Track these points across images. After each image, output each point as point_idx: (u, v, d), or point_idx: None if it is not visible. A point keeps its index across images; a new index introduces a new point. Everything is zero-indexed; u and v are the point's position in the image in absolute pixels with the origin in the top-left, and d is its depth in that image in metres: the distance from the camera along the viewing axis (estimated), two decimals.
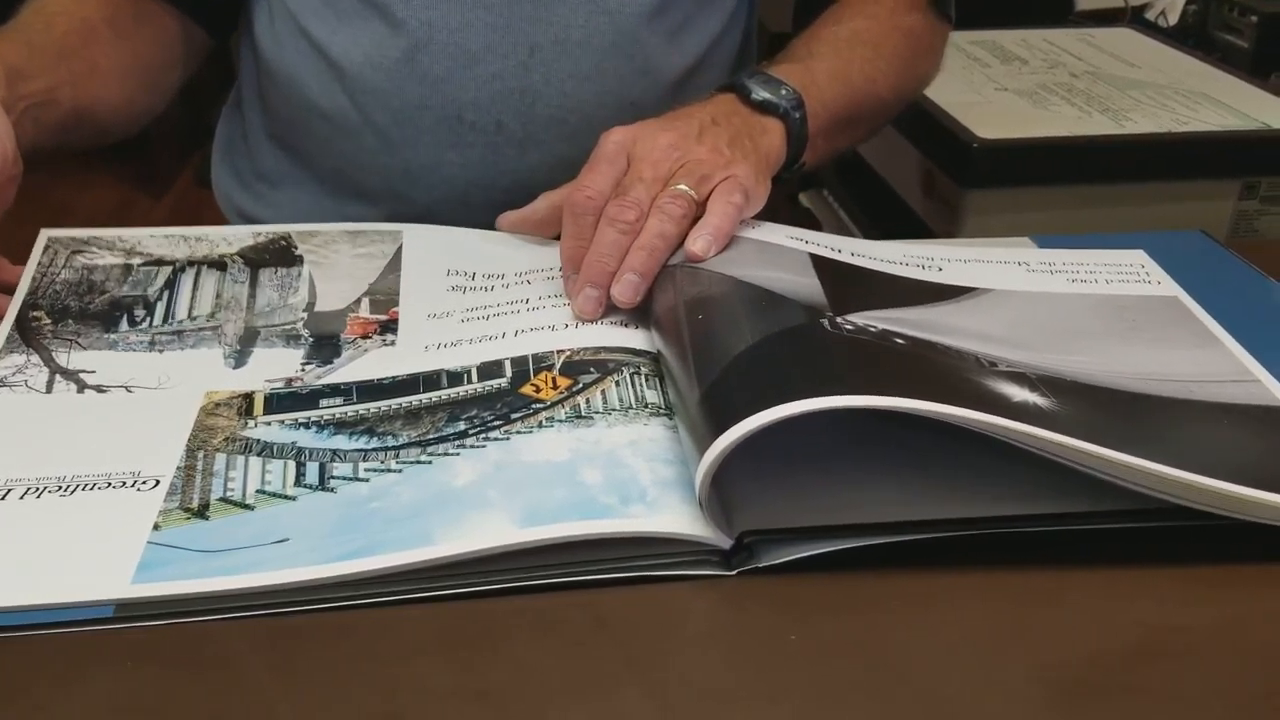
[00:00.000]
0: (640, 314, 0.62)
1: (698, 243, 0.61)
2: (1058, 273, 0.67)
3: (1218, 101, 1.04)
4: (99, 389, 0.58)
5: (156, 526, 0.48)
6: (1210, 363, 0.58)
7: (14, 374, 0.58)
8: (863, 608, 0.47)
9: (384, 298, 0.66)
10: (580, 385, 0.56)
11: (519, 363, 0.58)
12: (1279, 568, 0.49)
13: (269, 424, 0.55)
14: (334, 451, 0.53)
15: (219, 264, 0.68)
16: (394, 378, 0.59)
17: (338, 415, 0.56)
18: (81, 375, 0.59)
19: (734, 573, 0.48)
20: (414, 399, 0.57)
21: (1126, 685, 0.43)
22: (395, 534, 0.48)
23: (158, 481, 0.51)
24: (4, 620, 0.45)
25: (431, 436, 0.53)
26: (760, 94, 0.69)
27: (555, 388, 0.56)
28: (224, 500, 0.50)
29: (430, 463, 0.52)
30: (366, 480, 0.51)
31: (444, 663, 0.44)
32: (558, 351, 0.59)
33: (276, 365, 0.60)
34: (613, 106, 0.80)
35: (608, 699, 0.42)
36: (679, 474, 0.50)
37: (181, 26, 0.83)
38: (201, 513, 0.49)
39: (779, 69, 0.72)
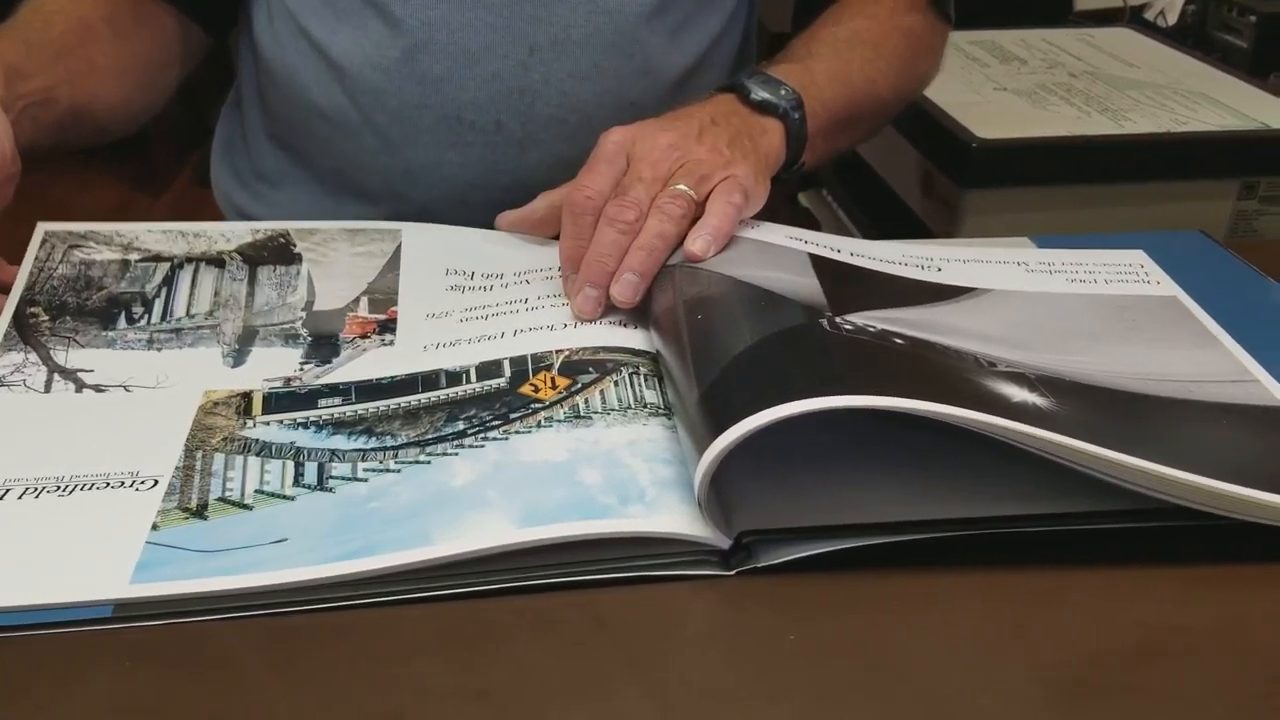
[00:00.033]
0: (639, 314, 0.62)
1: (697, 243, 0.61)
2: (1057, 273, 0.67)
3: (1217, 101, 1.04)
4: (97, 388, 0.58)
5: (155, 526, 0.48)
6: (1209, 363, 0.58)
7: (12, 373, 0.58)
8: (862, 608, 0.47)
9: (383, 297, 0.66)
10: (579, 385, 0.56)
11: (518, 362, 0.58)
12: (1278, 568, 0.49)
13: (267, 424, 0.55)
14: (332, 451, 0.53)
15: (217, 261, 0.68)
16: (392, 377, 0.58)
17: (336, 415, 0.56)
18: (80, 374, 0.59)
19: (733, 573, 0.48)
20: (413, 399, 0.56)
21: (1126, 685, 0.43)
22: (394, 534, 0.48)
23: (156, 481, 0.51)
24: (3, 620, 0.45)
25: (430, 436, 0.53)
26: (760, 94, 0.69)
27: (554, 388, 0.56)
28: (222, 500, 0.50)
29: (429, 463, 0.52)
30: (365, 480, 0.51)
31: (443, 663, 0.44)
32: (556, 351, 0.59)
33: (275, 364, 0.60)
34: (612, 106, 0.80)
35: (607, 699, 0.42)
36: (678, 474, 0.50)
37: (179, 25, 0.83)
38: (200, 513, 0.49)
39: (778, 69, 0.72)
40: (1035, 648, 0.45)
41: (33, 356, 0.60)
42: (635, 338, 0.60)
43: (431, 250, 0.71)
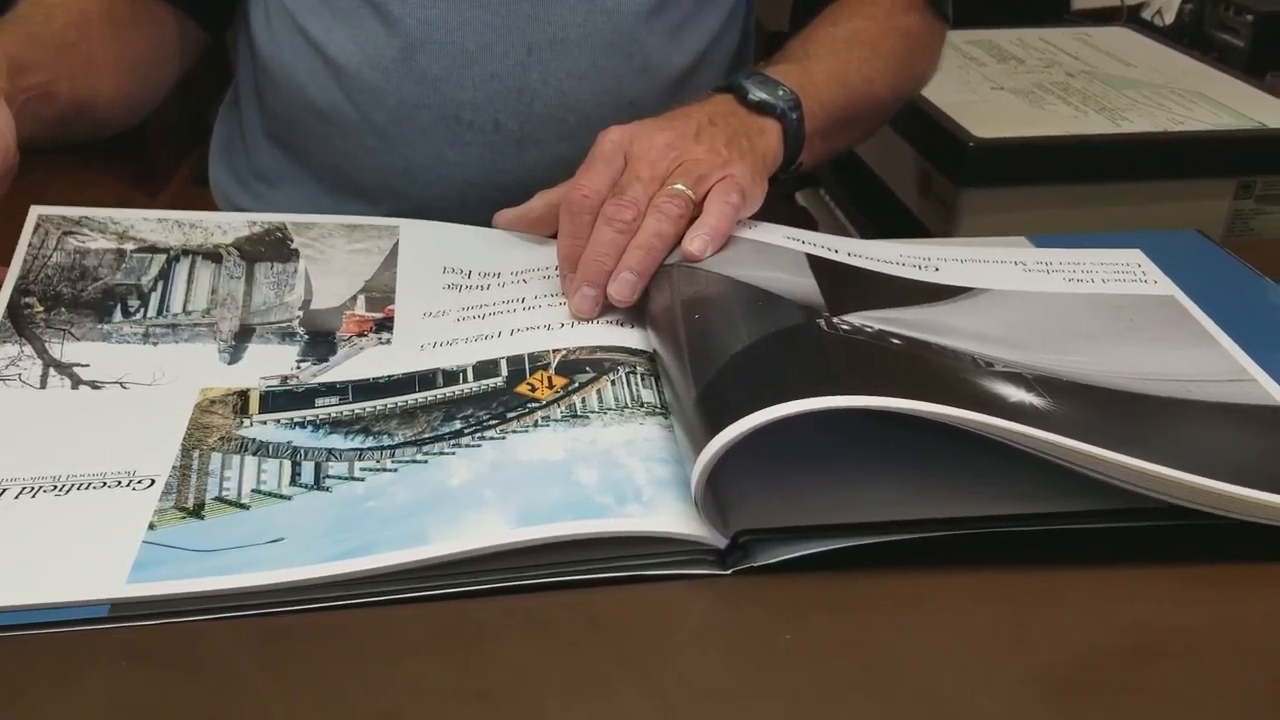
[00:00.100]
0: (636, 313, 0.62)
1: (695, 243, 0.61)
2: (1054, 272, 0.67)
3: (1214, 101, 1.04)
4: (93, 385, 0.58)
5: (152, 526, 0.48)
6: (1207, 362, 0.58)
7: (8, 366, 0.58)
8: (858, 607, 0.47)
9: (380, 295, 0.66)
10: (576, 384, 0.56)
11: (515, 362, 0.58)
12: (1276, 567, 0.49)
13: (264, 423, 0.55)
14: (329, 451, 0.53)
15: (214, 255, 0.68)
16: (390, 377, 0.58)
17: (333, 414, 0.55)
18: (76, 369, 0.59)
19: (729, 572, 0.48)
20: (410, 398, 0.56)
21: (1122, 685, 0.43)
22: (391, 533, 0.48)
23: (153, 481, 0.51)
24: None
25: (427, 436, 0.53)
26: (757, 95, 0.69)
27: (551, 387, 0.56)
28: (219, 500, 0.50)
29: (426, 462, 0.52)
30: (362, 480, 0.51)
31: (438, 663, 0.44)
32: (554, 351, 0.59)
33: (271, 362, 0.60)
34: (611, 105, 0.80)
35: (601, 699, 0.42)
36: (674, 473, 0.50)
37: (177, 22, 0.83)
38: (197, 512, 0.49)
39: (776, 69, 0.72)
40: (1032, 647, 0.45)
41: (28, 349, 0.60)
42: (632, 337, 0.60)
43: (429, 249, 0.71)
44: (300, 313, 0.64)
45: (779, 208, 0.70)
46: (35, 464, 0.52)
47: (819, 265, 0.62)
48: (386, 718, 0.41)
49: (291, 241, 0.70)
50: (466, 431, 0.53)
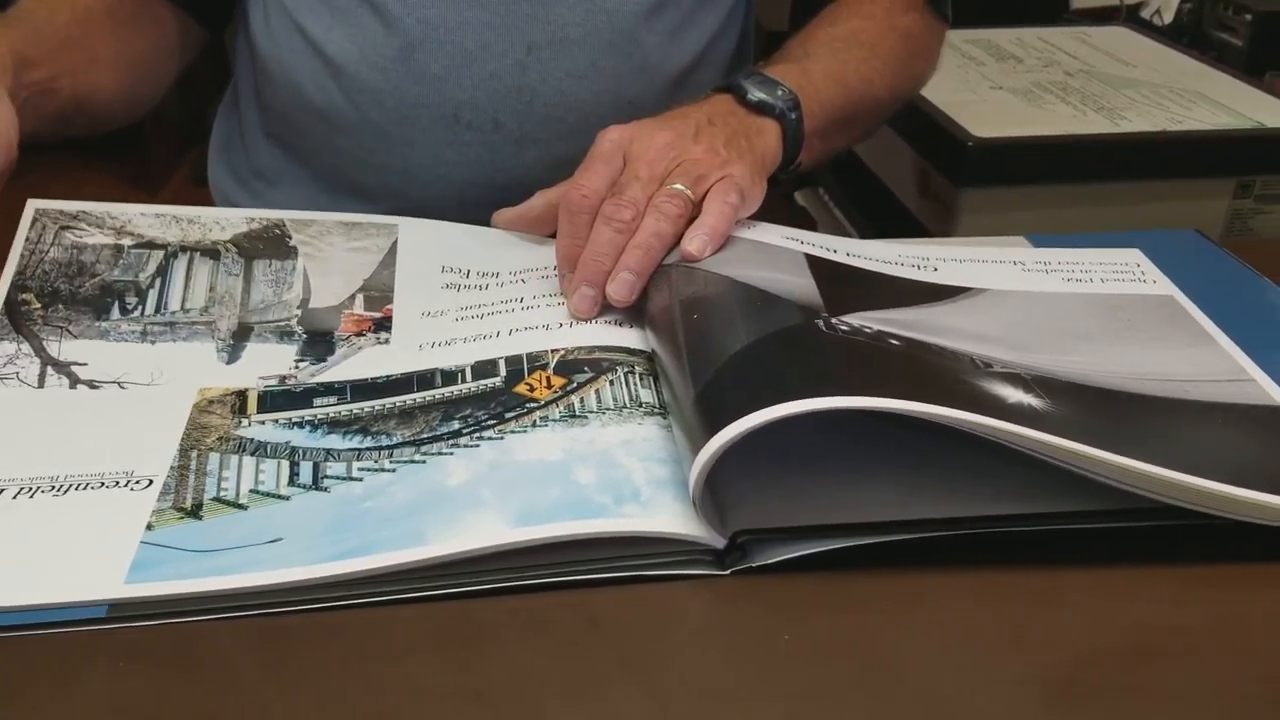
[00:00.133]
0: (635, 313, 0.62)
1: (693, 243, 0.61)
2: (1053, 272, 0.67)
3: (1212, 100, 1.04)
4: (91, 384, 0.58)
5: (150, 526, 0.48)
6: (1205, 362, 0.58)
7: (5, 365, 0.58)
8: (857, 607, 0.47)
9: (378, 294, 0.66)
10: (574, 384, 0.56)
11: (513, 362, 0.58)
12: (1275, 567, 0.49)
13: (262, 423, 0.55)
14: (328, 451, 0.53)
15: (212, 252, 0.68)
16: (388, 376, 0.58)
17: (331, 414, 0.55)
18: (73, 368, 0.58)
19: (727, 572, 0.48)
20: (408, 398, 0.56)
21: (1122, 685, 0.43)
22: (389, 533, 0.47)
23: (151, 481, 0.51)
24: None
25: (425, 436, 0.53)
26: (756, 95, 0.69)
27: (549, 387, 0.56)
28: (217, 500, 0.50)
29: (424, 462, 0.52)
30: (360, 480, 0.51)
31: (437, 663, 0.44)
32: (552, 351, 0.59)
33: (270, 361, 0.60)
34: (610, 105, 0.80)
35: (601, 699, 0.42)
36: (673, 473, 0.50)
37: (177, 19, 0.84)
38: (195, 512, 0.49)
39: (775, 69, 0.72)
40: (1032, 647, 0.45)
41: (25, 347, 0.59)
42: (631, 337, 0.60)
43: (427, 248, 0.71)
44: (298, 311, 0.64)
45: (778, 207, 0.70)
46: (33, 464, 0.52)
47: (818, 265, 0.62)
48: (386, 718, 0.41)
49: (290, 239, 0.69)
50: (465, 431, 0.53)
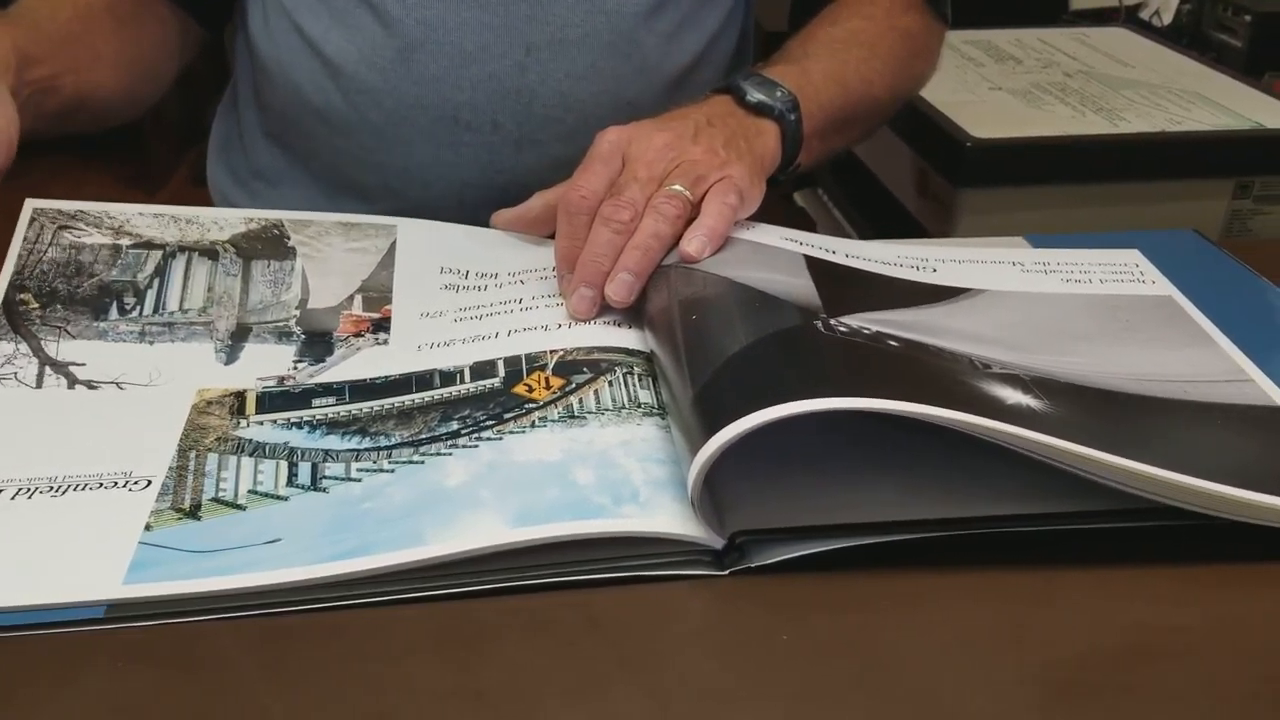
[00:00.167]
0: (634, 314, 0.62)
1: (692, 244, 0.61)
2: (1052, 272, 0.67)
3: (1212, 101, 1.04)
4: (90, 385, 0.58)
5: (148, 527, 0.48)
6: (1204, 363, 0.58)
7: (3, 365, 0.58)
8: (855, 607, 0.47)
9: (377, 295, 0.66)
10: (573, 385, 0.56)
11: (512, 362, 0.58)
12: (1275, 567, 0.49)
13: (261, 424, 0.55)
14: (326, 451, 0.53)
15: (210, 253, 0.68)
16: (386, 377, 0.58)
17: (330, 415, 0.55)
18: (72, 368, 0.58)
19: (726, 572, 0.48)
20: (406, 399, 0.56)
21: (1121, 685, 0.43)
22: (387, 534, 0.47)
23: (149, 482, 0.51)
24: None
25: (424, 436, 0.53)
26: (755, 96, 0.69)
27: (548, 388, 0.56)
28: (216, 500, 0.50)
29: (423, 463, 0.52)
30: (359, 480, 0.51)
31: (436, 663, 0.44)
32: (551, 351, 0.59)
33: (268, 362, 0.60)
34: (609, 106, 0.80)
35: (600, 699, 0.42)
36: (671, 474, 0.50)
37: (178, 18, 0.84)
38: (193, 513, 0.49)
39: (774, 70, 0.72)
40: (1030, 647, 0.45)
41: (23, 347, 0.59)
42: (630, 338, 0.60)
43: (426, 249, 0.71)
44: (297, 312, 0.64)
45: (777, 208, 0.70)
46: (32, 465, 0.52)
47: (816, 266, 0.62)
48: (385, 718, 0.41)
49: (288, 239, 0.69)
50: (463, 432, 0.53)
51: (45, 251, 0.65)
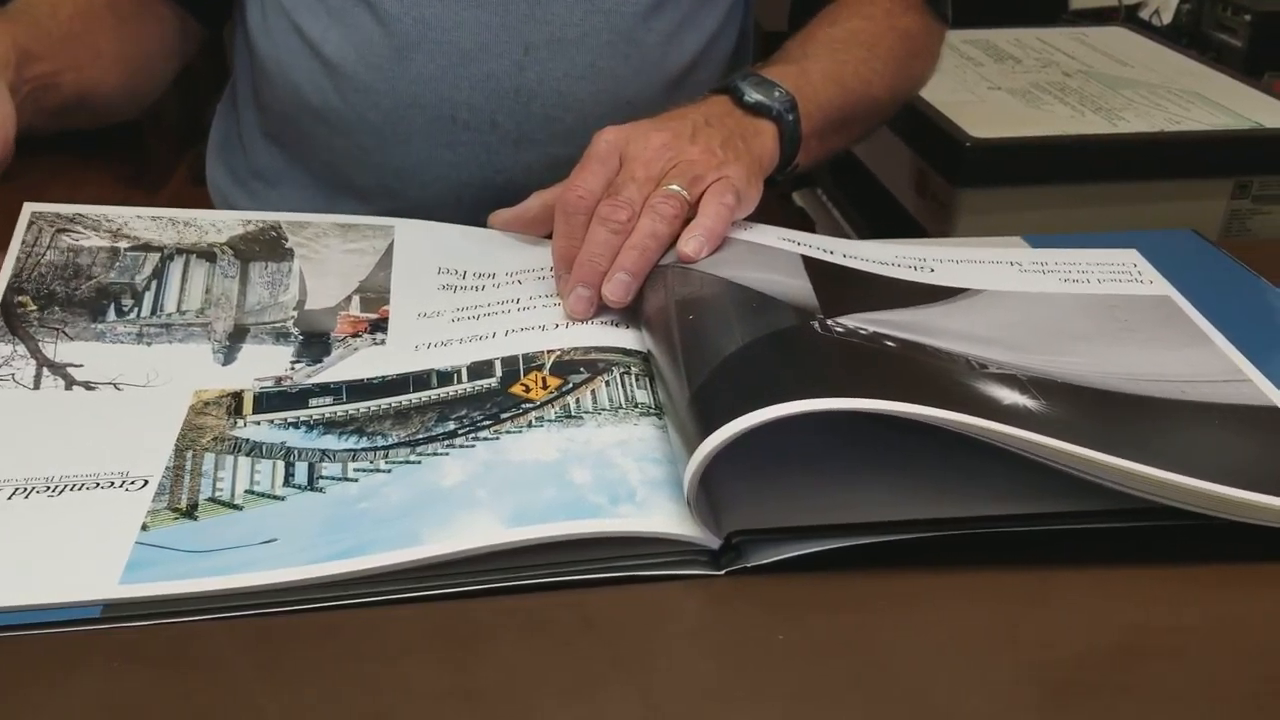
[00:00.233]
0: (631, 314, 0.62)
1: (690, 244, 0.61)
2: (1050, 272, 0.67)
3: (1211, 101, 1.04)
4: (87, 385, 0.58)
5: (145, 527, 0.48)
6: (1202, 363, 0.58)
7: (1, 366, 0.58)
8: (852, 607, 0.47)
9: (374, 295, 0.66)
10: (570, 385, 0.56)
11: (509, 362, 0.58)
12: (1272, 567, 0.49)
13: (258, 424, 0.55)
14: (323, 451, 0.53)
15: (208, 254, 0.68)
16: (384, 377, 0.58)
17: (327, 415, 0.55)
18: (69, 370, 0.58)
19: (722, 572, 0.48)
20: (403, 399, 0.56)
21: (1118, 685, 0.43)
22: (384, 534, 0.47)
23: (146, 481, 0.51)
24: None
25: (421, 436, 0.53)
26: (753, 96, 0.69)
27: (545, 388, 0.56)
28: (212, 500, 0.50)
29: (419, 463, 0.52)
30: (355, 480, 0.51)
31: (432, 663, 0.44)
32: (548, 351, 0.59)
33: (266, 363, 0.60)
34: (608, 105, 0.80)
35: (596, 699, 0.42)
36: (668, 474, 0.50)
37: (178, 17, 0.84)
38: (190, 513, 0.49)
39: (773, 70, 0.72)
40: (1026, 647, 0.45)
41: (21, 349, 0.59)
42: (627, 338, 0.60)
43: (423, 249, 0.71)
44: (295, 313, 0.64)
45: (775, 208, 0.70)
46: (29, 465, 0.52)
47: (814, 267, 0.62)
48: (381, 717, 0.41)
49: (286, 241, 0.70)
50: (460, 432, 0.53)
51: (43, 254, 0.65)
